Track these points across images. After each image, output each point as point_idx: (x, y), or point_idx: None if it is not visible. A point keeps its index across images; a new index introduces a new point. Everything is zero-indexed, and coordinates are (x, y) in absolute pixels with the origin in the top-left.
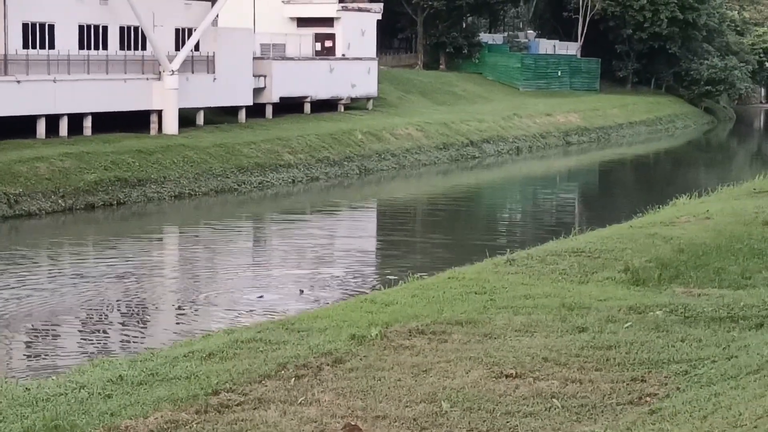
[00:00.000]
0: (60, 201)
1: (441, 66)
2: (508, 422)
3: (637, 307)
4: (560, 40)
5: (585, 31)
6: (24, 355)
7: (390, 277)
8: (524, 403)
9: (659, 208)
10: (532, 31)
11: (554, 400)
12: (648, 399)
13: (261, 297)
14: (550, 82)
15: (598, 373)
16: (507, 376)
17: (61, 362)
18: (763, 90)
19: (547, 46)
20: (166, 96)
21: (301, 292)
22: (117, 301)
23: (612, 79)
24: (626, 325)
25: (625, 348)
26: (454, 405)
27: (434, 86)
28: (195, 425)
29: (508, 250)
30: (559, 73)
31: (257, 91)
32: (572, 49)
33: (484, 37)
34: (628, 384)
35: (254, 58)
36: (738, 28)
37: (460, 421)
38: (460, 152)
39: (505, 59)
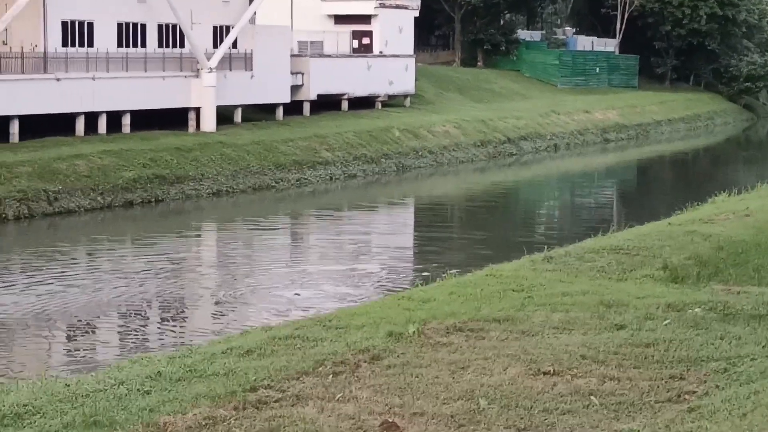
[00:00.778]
0: (99, 198)
1: (478, 63)
2: (545, 419)
3: (675, 305)
4: (598, 37)
5: (623, 28)
6: (63, 351)
7: (427, 273)
8: (562, 400)
9: (698, 205)
10: (570, 28)
11: (592, 397)
12: (687, 397)
13: (298, 294)
14: (588, 79)
15: (636, 370)
16: (545, 374)
17: (100, 358)
18: None
19: (585, 42)
20: (204, 93)
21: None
22: (155, 297)
23: (650, 75)
24: (665, 323)
25: (664, 345)
26: (492, 402)
27: (472, 83)
28: (233, 421)
29: (546, 247)
30: (597, 70)
31: (295, 89)
32: (610, 45)
33: (522, 33)
34: (666, 382)
35: (292, 56)
36: None
37: (497, 419)
38: (498, 149)
39: (543, 56)
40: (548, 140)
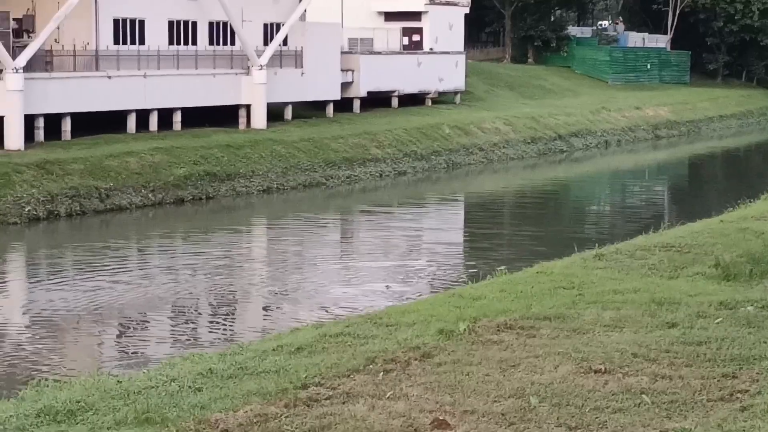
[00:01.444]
0: (150, 195)
1: (529, 59)
2: (597, 418)
3: (727, 303)
4: (649, 33)
5: (675, 24)
6: (115, 347)
7: (478, 271)
8: (613, 398)
9: (750, 202)
10: (621, 24)
11: (644, 396)
12: (739, 395)
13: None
14: (640, 75)
15: (688, 369)
16: (596, 372)
17: (151, 355)
18: None
19: (636, 38)
20: (254, 91)
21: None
22: (206, 293)
23: (702, 71)
24: (717, 321)
25: (716, 344)
26: (543, 400)
27: (522, 80)
28: (284, 419)
29: (597, 244)
30: (649, 66)
31: (345, 86)
32: (662, 41)
33: (573, 30)
34: (718, 380)
35: (342, 53)
36: None
37: (548, 417)
38: (548, 146)
39: (594, 52)
40: (599, 137)
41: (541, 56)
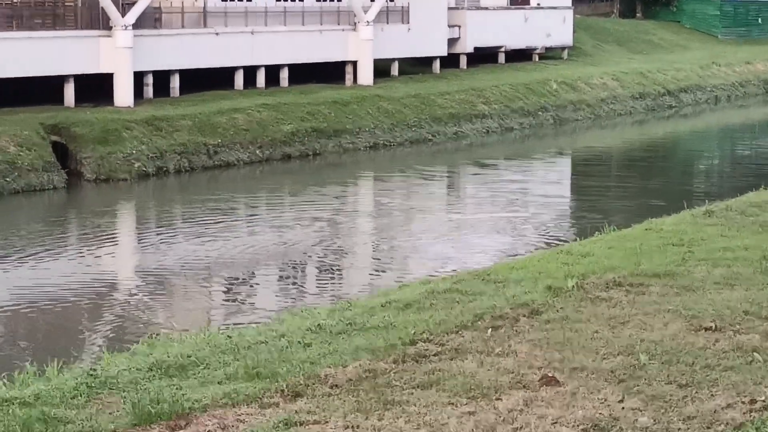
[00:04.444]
0: (257, 152)
1: (637, 14)
2: (707, 376)
3: None
4: None
5: None
6: (223, 303)
7: (586, 227)
8: (724, 356)
9: None
10: None
11: (755, 353)
12: None
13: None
14: (751, 30)
15: None
16: (706, 330)
17: (260, 310)
18: None
19: None
20: (361, 47)
21: None
22: (313, 249)
23: None
24: None
25: None
26: (653, 357)
27: (630, 35)
28: (393, 374)
29: (707, 200)
30: (760, 21)
31: (451, 42)
32: None
33: None
34: None
35: (448, 9)
36: None
37: (658, 374)
38: (657, 102)
39: (704, 6)
40: (708, 92)
41: (650, 11)
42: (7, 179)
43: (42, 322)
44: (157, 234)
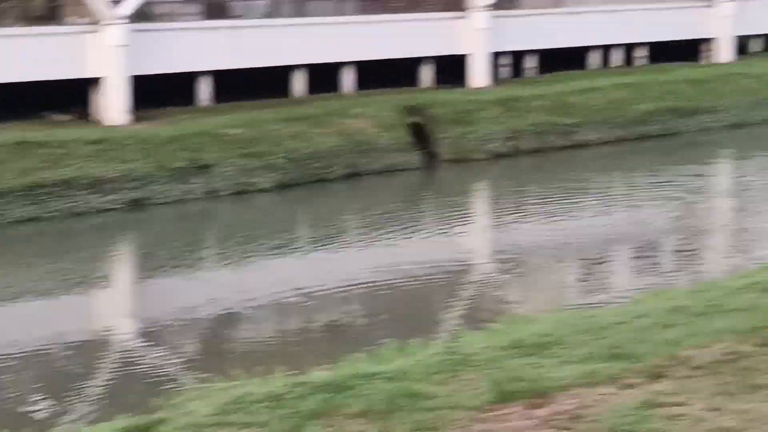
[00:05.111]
0: (612, 131)
1: None
2: None
3: None
4: None
5: None
6: (578, 283)
7: None
8: None
9: None
10: None
11: None
12: None
13: None
14: None
15: None
16: None
17: (614, 291)
18: None
19: None
20: (720, 24)
21: None
22: (667, 229)
23: None
24: None
25: None
26: None
27: None
28: (757, 357)
29: None
30: None
31: None
32: None
33: None
34: None
35: None
36: None
37: None
38: None
39: None
40: None
41: None
42: (366, 159)
43: (398, 299)
44: (511, 213)
